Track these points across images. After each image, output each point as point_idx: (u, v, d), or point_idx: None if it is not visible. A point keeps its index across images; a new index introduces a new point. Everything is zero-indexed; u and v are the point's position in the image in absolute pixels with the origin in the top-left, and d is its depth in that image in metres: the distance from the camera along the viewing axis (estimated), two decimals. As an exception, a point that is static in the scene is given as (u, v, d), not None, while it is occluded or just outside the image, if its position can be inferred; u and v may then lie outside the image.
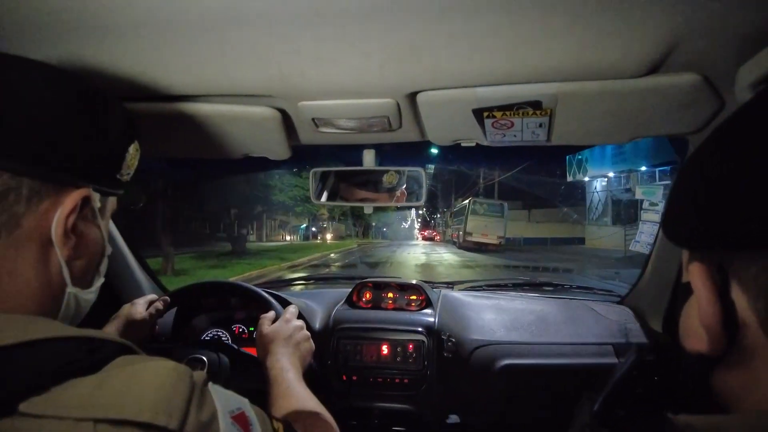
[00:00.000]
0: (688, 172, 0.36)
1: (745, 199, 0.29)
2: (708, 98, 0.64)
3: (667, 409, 0.34)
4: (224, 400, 0.41)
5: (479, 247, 17.08)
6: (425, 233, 43.73)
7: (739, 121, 0.33)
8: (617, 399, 0.40)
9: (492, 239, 17.16)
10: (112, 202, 0.52)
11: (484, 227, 17.27)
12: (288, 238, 25.47)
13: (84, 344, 0.36)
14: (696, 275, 0.33)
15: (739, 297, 0.31)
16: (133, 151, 0.52)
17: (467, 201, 18.91)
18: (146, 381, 0.35)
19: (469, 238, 17.42)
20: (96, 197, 0.46)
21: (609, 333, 1.18)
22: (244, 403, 0.44)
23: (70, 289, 0.45)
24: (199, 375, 0.40)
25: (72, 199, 0.43)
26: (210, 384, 0.41)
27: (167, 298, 0.98)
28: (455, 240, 21.51)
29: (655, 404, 0.54)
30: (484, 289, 1.56)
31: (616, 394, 0.40)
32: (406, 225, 53.15)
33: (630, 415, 0.40)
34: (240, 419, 0.41)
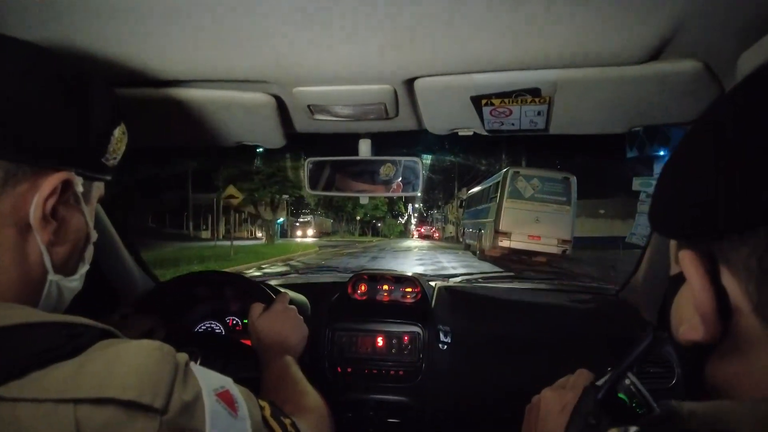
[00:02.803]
0: (672, 163, 0.36)
1: (729, 184, 0.29)
2: (709, 86, 0.63)
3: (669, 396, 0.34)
4: (207, 379, 0.40)
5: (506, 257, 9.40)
6: (422, 230, 43.51)
7: (720, 108, 0.33)
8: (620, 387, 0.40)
9: (549, 245, 9.10)
10: (98, 187, 0.50)
11: (534, 222, 9.07)
12: (259, 234, 22.34)
13: (64, 329, 0.35)
14: (687, 262, 0.33)
15: (729, 282, 0.31)
16: (119, 134, 0.50)
17: (502, 173, 9.87)
18: (130, 360, 0.34)
19: (503, 243, 9.29)
20: (78, 181, 0.45)
21: (604, 326, 1.18)
22: (227, 382, 0.43)
23: (52, 276, 0.44)
24: (182, 356, 0.39)
25: (50, 182, 0.41)
26: (192, 364, 0.40)
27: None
28: (469, 243, 13.25)
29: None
30: (479, 282, 1.56)
31: (619, 383, 0.40)
32: (402, 220, 53.20)
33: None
34: (225, 397, 0.40)
